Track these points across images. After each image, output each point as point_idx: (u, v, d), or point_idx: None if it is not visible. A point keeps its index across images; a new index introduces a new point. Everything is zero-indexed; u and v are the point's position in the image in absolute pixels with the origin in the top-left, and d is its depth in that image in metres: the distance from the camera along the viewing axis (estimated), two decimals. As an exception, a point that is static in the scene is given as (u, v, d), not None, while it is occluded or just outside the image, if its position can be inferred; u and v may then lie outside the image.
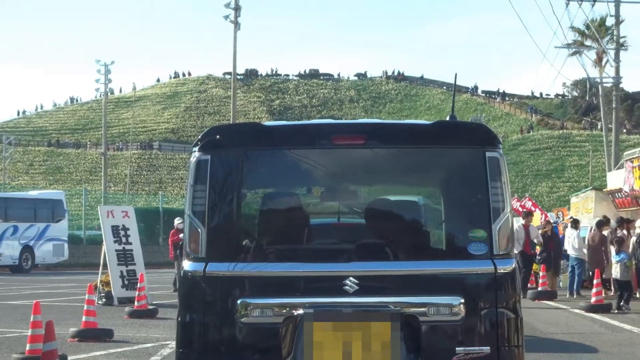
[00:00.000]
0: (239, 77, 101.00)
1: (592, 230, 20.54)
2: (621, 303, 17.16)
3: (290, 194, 5.81)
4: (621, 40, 38.68)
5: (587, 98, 46.27)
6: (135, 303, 15.74)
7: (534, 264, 21.54)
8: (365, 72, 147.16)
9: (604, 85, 39.42)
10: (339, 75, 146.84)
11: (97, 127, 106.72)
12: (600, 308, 16.73)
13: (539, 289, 20.34)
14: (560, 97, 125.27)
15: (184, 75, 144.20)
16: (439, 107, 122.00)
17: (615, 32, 38.61)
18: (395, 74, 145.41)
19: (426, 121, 5.73)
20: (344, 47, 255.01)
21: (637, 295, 18.60)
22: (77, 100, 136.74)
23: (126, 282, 18.34)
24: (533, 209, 27.23)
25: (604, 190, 27.70)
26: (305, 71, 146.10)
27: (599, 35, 40.47)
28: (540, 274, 20.98)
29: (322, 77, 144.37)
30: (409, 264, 5.33)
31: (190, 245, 5.38)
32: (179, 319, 5.38)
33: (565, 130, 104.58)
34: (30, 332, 9.17)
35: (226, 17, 44.13)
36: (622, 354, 11.09)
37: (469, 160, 5.39)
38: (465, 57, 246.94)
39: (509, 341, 5.24)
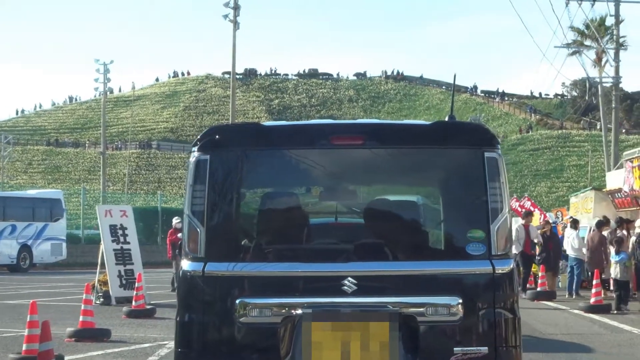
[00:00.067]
0: (238, 76, 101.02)
1: (592, 231, 20.50)
2: (620, 303, 17.11)
3: (289, 194, 5.80)
4: (621, 40, 38.68)
5: (587, 98, 46.33)
6: (133, 303, 15.67)
7: (534, 264, 21.50)
8: (365, 72, 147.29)
9: (604, 85, 39.38)
10: (338, 74, 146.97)
11: (96, 126, 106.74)
12: (600, 308, 16.68)
13: (538, 289, 20.30)
14: (559, 97, 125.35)
15: (183, 74, 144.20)
16: (438, 107, 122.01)
17: (615, 32, 38.59)
18: (395, 73, 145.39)
19: (425, 121, 5.73)
20: (343, 46, 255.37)
21: (636, 296, 18.53)
22: (76, 100, 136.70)
23: (124, 281, 18.27)
24: (532, 209, 27.19)
25: (603, 190, 27.65)
26: (304, 71, 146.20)
27: (598, 34, 40.43)
28: (540, 274, 20.94)
29: (321, 77, 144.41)
30: (407, 264, 5.33)
31: (189, 245, 5.38)
32: (178, 319, 5.38)
33: (564, 130, 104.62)
34: (27, 332, 9.09)
35: (225, 16, 44.10)
36: (622, 355, 11.05)
37: (468, 160, 5.39)
38: (464, 57, 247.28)
39: (507, 341, 5.24)
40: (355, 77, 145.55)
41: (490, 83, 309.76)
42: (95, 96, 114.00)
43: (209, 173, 5.36)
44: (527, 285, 21.03)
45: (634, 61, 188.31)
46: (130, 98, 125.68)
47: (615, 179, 27.03)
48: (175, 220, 22.41)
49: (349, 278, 5.15)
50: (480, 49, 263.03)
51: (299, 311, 5.13)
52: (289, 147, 5.51)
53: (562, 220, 29.73)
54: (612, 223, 20.42)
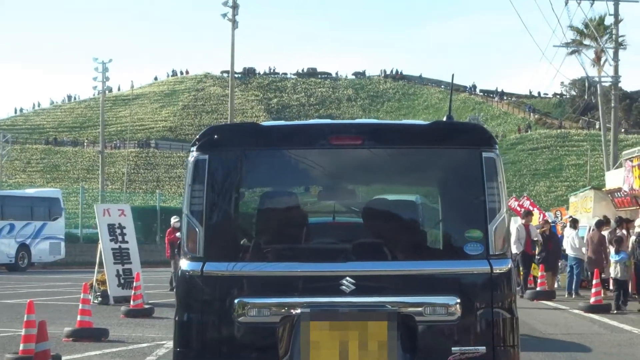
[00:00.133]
0: (236, 75, 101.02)
1: (591, 230, 20.47)
2: (620, 302, 17.06)
3: (287, 194, 5.81)
4: (620, 40, 38.68)
5: (586, 97, 46.23)
6: (131, 302, 15.62)
7: (533, 265, 21.46)
8: (364, 71, 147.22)
9: (603, 84, 39.35)
10: (337, 74, 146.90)
11: (95, 125, 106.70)
12: (600, 308, 16.64)
13: (538, 288, 20.25)
14: (558, 97, 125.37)
15: (181, 73, 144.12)
16: (437, 107, 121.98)
17: (614, 31, 38.56)
18: (394, 73, 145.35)
19: (423, 121, 5.74)
20: (342, 46, 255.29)
21: (635, 296, 18.48)
22: (74, 99, 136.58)
23: (122, 281, 18.21)
24: (531, 208, 27.16)
25: (603, 189, 27.62)
26: (303, 70, 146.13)
27: (597, 34, 40.41)
28: (539, 273, 20.90)
29: (320, 76, 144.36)
30: (405, 264, 5.35)
31: (188, 245, 5.39)
32: (177, 318, 5.39)
33: (563, 130, 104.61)
34: (24, 332, 9.05)
35: (224, 15, 44.05)
36: (622, 355, 11.00)
37: (466, 160, 5.40)
38: (463, 56, 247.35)
39: (505, 341, 5.26)
40: (354, 76, 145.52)
41: (489, 82, 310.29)
42: (94, 95, 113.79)
43: (208, 173, 5.37)
44: (527, 285, 20.99)
45: (633, 61, 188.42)
46: (129, 97, 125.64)
47: (614, 179, 27.00)
48: (173, 220, 22.32)
49: (347, 278, 5.16)
50: (479, 48, 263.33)
51: (298, 311, 5.14)
52: (287, 147, 5.52)
53: (561, 219, 29.70)
54: (612, 222, 20.38)
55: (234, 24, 44.11)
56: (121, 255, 18.38)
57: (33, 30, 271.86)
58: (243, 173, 5.57)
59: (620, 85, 40.19)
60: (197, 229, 5.32)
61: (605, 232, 19.90)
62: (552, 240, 21.89)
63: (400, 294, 5.20)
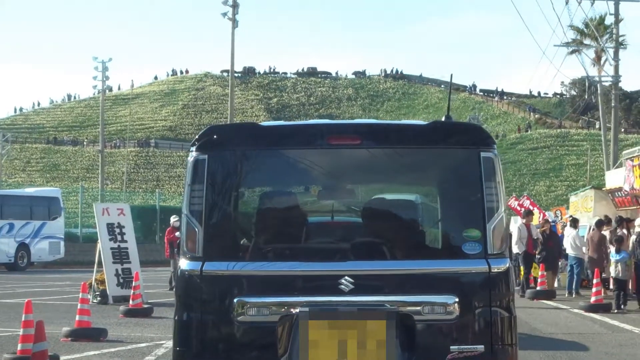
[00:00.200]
0: (236, 74, 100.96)
1: (592, 230, 20.43)
2: (620, 302, 17.01)
3: (286, 194, 5.85)
4: (620, 39, 38.59)
5: (586, 97, 46.18)
6: (130, 302, 15.56)
7: (534, 264, 21.42)
8: (364, 71, 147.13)
9: (603, 84, 39.30)
10: (337, 73, 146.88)
11: (95, 124, 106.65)
12: (600, 308, 16.60)
13: (538, 288, 20.20)
14: (558, 96, 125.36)
15: (181, 72, 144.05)
16: (437, 106, 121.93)
17: (614, 31, 38.50)
18: (394, 72, 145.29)
19: (422, 121, 5.77)
20: (342, 45, 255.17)
21: (635, 295, 18.43)
22: (74, 98, 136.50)
23: (121, 280, 18.16)
24: (531, 208, 27.11)
25: (603, 189, 27.56)
26: (303, 69, 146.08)
27: (598, 33, 40.35)
28: (539, 273, 20.85)
29: (320, 75, 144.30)
30: (403, 263, 5.37)
31: (187, 245, 5.43)
32: (176, 318, 5.43)
33: (563, 129, 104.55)
34: (22, 332, 8.99)
35: (224, 14, 43.99)
36: (623, 355, 10.94)
37: (464, 160, 5.43)
38: (464, 56, 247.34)
39: (503, 340, 5.28)
40: (354, 76, 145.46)
41: (489, 82, 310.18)
42: (93, 94, 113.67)
43: (207, 173, 5.40)
44: (529, 285, 20.92)
45: (632, 61, 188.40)
46: (129, 96, 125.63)
47: (614, 178, 26.95)
48: (173, 219, 22.26)
49: (346, 277, 5.19)
50: (479, 48, 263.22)
51: (297, 310, 5.17)
52: (286, 147, 5.57)
53: (561, 219, 29.66)
54: (613, 222, 20.33)
55: (234, 23, 44.06)
56: (120, 255, 18.34)
57: (33, 30, 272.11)
58: (242, 173, 5.61)
59: (620, 85, 40.12)
60: (196, 229, 5.36)
61: (606, 232, 19.85)
62: (552, 239, 21.84)
63: (398, 293, 5.23)
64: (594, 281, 17.49)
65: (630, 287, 18.14)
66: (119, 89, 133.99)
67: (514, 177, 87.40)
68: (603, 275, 19.00)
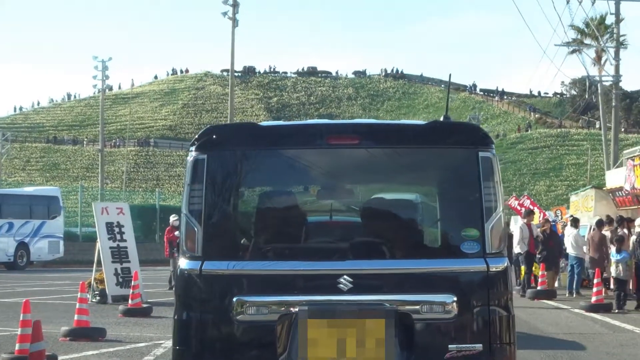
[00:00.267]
0: (236, 74, 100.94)
1: (592, 230, 20.38)
2: (621, 302, 16.97)
3: (286, 194, 5.89)
4: (621, 39, 38.52)
5: (587, 96, 46.14)
6: (130, 301, 15.50)
7: (534, 264, 21.38)
8: (364, 70, 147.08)
9: (604, 83, 39.26)
10: (337, 72, 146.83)
11: (94, 123, 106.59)
12: (601, 307, 16.56)
13: (539, 288, 20.16)
14: (558, 96, 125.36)
15: (181, 72, 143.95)
16: (437, 106, 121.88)
17: (615, 31, 38.44)
18: (394, 72, 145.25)
19: (420, 121, 5.81)
20: (342, 44, 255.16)
21: (634, 295, 18.38)
22: (74, 97, 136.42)
23: (120, 279, 18.12)
24: (531, 207, 27.07)
25: (604, 188, 27.51)
26: (303, 68, 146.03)
27: (598, 33, 40.31)
28: (540, 272, 20.80)
29: (320, 75, 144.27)
30: (402, 263, 5.40)
31: (186, 244, 5.46)
32: (176, 317, 5.47)
33: (563, 129, 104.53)
34: (20, 332, 8.94)
35: (224, 13, 43.92)
36: (624, 355, 10.89)
37: (462, 160, 5.47)
38: (464, 55, 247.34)
39: (501, 338, 5.31)
40: (354, 75, 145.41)
41: (490, 82, 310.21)
42: (93, 93, 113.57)
43: (207, 172, 5.43)
44: (530, 285, 20.87)
45: (632, 60, 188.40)
46: (129, 95, 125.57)
47: (615, 178, 26.90)
48: (172, 218, 22.20)
49: (345, 276, 5.22)
50: (479, 47, 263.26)
51: (296, 309, 5.20)
52: (285, 147, 5.63)
53: (561, 218, 29.62)
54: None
55: (234, 22, 43.99)
56: (119, 254, 18.29)
57: (33, 30, 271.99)
58: (241, 173, 5.65)
59: (620, 84, 40.06)
60: (195, 229, 5.39)
61: (606, 232, 19.80)
62: (552, 239, 21.80)
63: (397, 292, 5.26)
64: (595, 281, 17.45)
65: (630, 287, 18.09)
66: (119, 88, 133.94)
67: (514, 177, 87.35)
68: (604, 275, 18.95)
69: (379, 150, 5.55)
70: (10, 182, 71.52)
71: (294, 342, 5.18)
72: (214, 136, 5.59)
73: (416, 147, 5.54)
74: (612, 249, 18.08)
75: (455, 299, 5.22)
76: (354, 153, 5.54)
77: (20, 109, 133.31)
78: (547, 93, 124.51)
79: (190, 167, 5.49)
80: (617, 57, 37.26)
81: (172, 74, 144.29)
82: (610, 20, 39.48)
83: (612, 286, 18.54)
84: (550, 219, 25.38)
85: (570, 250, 21.14)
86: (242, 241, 5.64)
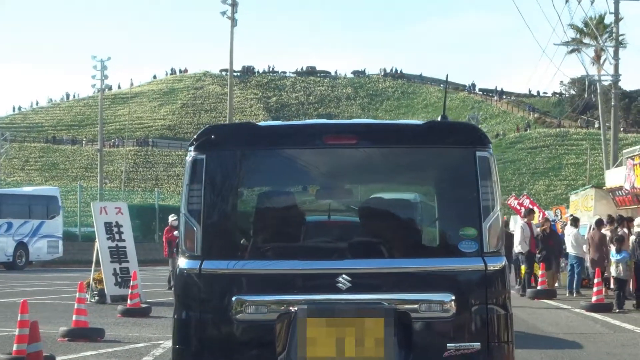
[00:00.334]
0: (235, 74, 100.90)
1: (592, 229, 20.35)
2: (621, 302, 16.94)
3: (284, 193, 5.93)
4: (620, 38, 38.53)
5: (586, 96, 46.09)
6: (128, 301, 15.46)
7: (535, 264, 21.35)
8: (363, 70, 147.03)
9: (603, 83, 39.24)
10: (336, 72, 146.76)
11: (93, 123, 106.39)
12: (601, 307, 16.53)
13: (539, 287, 20.13)
14: (557, 96, 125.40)
15: (180, 71, 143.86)
16: (436, 105, 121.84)
17: (614, 30, 38.43)
18: (393, 71, 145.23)
19: (418, 121, 5.85)
20: (342, 45, 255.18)
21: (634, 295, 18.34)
22: (73, 97, 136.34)
23: (119, 279, 18.08)
24: (531, 207, 27.05)
25: (603, 188, 27.49)
26: (302, 68, 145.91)
27: (597, 32, 40.29)
28: (539, 272, 20.77)
29: (319, 75, 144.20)
30: (400, 262, 5.42)
31: (186, 244, 5.49)
32: (175, 316, 5.50)
33: (562, 129, 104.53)
34: (17, 332, 8.89)
35: (223, 13, 43.90)
36: (625, 355, 10.86)
37: (460, 159, 5.50)
38: (463, 55, 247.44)
39: (499, 337, 5.35)
40: (353, 75, 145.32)
41: (489, 81, 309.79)
42: (92, 93, 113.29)
43: (205, 172, 5.46)
44: (531, 284, 20.84)
45: (631, 60, 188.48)
46: (128, 95, 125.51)
47: (614, 177, 26.88)
48: (171, 218, 22.14)
49: (344, 275, 5.25)
50: (479, 47, 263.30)
51: (295, 308, 5.23)
52: (284, 147, 5.66)
53: (561, 218, 29.60)
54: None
55: (233, 22, 43.97)
56: (118, 254, 18.25)
57: (33, 29, 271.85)
58: (240, 172, 5.68)
59: (619, 84, 40.04)
60: (194, 228, 5.41)
61: (606, 231, 19.77)
62: (552, 238, 21.78)
63: (396, 291, 5.29)
64: (595, 281, 17.42)
65: (630, 286, 18.05)
66: (118, 87, 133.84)
67: (513, 176, 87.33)
68: (605, 274, 18.92)
69: (376, 150, 5.59)
70: (9, 182, 71.53)
71: (293, 341, 5.20)
72: (213, 136, 5.60)
73: (414, 147, 5.57)
74: (612, 249, 18.06)
75: (453, 297, 5.25)
76: (352, 153, 5.58)
77: (19, 108, 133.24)
78: (546, 93, 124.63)
79: (189, 167, 5.51)
80: (616, 56, 37.26)
81: (171, 74, 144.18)
82: (609, 19, 39.55)
83: (612, 286, 18.52)
84: (550, 219, 25.36)
85: (570, 249, 21.12)
86: (241, 241, 5.69)
